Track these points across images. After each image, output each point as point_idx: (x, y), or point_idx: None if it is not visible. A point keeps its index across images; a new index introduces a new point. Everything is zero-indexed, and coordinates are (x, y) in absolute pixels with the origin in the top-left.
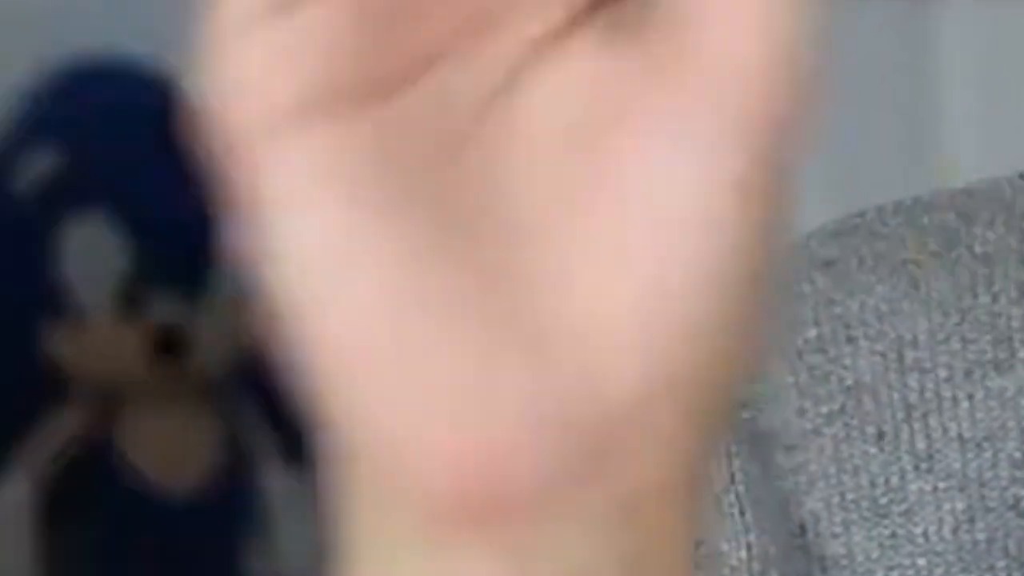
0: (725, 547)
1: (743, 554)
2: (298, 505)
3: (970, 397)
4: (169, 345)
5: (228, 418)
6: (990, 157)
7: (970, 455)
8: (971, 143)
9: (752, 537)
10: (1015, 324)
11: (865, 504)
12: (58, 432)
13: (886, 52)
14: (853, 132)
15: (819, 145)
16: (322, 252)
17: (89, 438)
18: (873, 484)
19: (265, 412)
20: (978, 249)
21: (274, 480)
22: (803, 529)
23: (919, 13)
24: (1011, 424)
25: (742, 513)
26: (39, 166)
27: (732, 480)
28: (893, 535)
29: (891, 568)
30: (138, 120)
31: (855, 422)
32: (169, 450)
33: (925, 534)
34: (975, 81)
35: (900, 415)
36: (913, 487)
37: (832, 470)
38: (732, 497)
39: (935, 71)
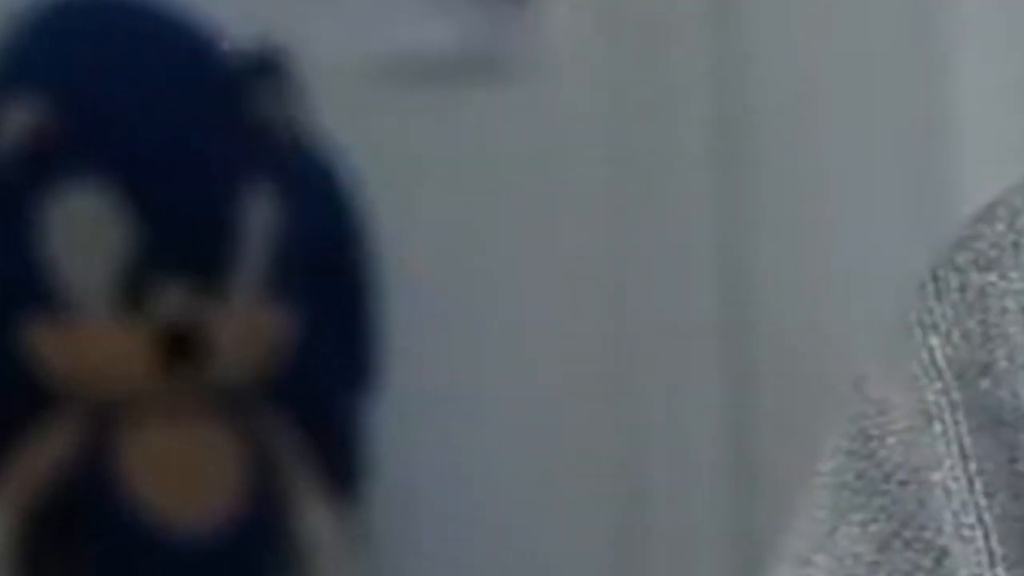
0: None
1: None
2: (341, 546)
3: None
4: (181, 347)
5: (254, 437)
6: None
7: None
8: None
9: (989, 521)
10: None
11: None
12: (45, 453)
13: None
14: None
15: None
16: None
17: (83, 460)
18: None
19: (299, 430)
20: None
21: (312, 515)
22: None
23: None
24: None
25: (978, 497)
26: (20, 123)
27: (964, 459)
28: None
29: None
30: (143, 66)
31: None
32: (182, 476)
33: None
34: None
35: None
36: None
37: None
38: (964, 480)
39: None
